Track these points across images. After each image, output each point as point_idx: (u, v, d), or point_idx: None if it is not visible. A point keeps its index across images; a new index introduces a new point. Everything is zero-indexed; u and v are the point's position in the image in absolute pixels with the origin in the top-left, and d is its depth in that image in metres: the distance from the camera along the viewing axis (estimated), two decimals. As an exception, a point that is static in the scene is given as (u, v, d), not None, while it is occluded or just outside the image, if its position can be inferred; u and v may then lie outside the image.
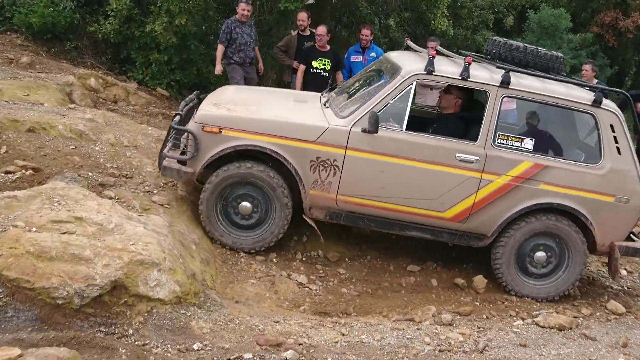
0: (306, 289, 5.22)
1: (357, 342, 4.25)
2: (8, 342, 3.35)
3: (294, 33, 8.96)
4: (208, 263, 4.91)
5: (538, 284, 5.62)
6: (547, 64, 5.71)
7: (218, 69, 8.58)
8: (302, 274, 5.39)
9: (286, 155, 5.21)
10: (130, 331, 3.77)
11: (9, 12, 10.16)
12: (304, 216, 5.48)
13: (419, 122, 5.65)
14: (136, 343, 3.68)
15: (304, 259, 5.68)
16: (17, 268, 3.58)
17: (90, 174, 5.26)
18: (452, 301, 5.34)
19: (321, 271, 5.55)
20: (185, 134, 5.28)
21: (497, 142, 5.34)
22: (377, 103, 5.25)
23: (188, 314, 4.08)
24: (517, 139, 5.40)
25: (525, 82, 5.41)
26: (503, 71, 5.33)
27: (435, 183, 5.31)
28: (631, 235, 5.88)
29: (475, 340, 4.47)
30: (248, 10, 8.41)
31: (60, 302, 3.60)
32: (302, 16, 8.73)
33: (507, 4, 15.40)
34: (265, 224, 5.42)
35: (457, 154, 5.28)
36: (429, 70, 5.25)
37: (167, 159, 5.26)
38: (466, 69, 5.29)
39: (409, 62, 5.52)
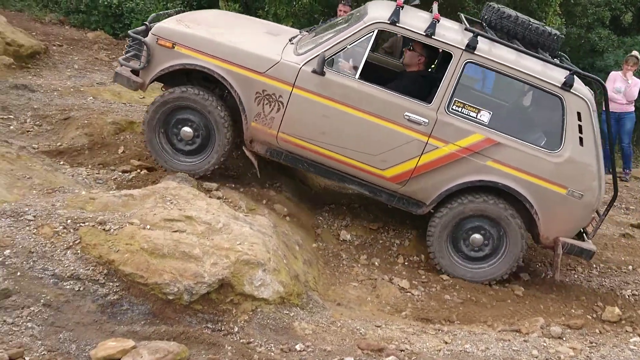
0: (408, 294, 5.15)
1: (461, 351, 4.14)
2: (123, 333, 3.51)
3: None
4: (311, 264, 4.96)
5: (470, 266, 5.37)
6: (537, 39, 5.35)
7: None
8: (404, 279, 5.32)
9: (233, 82, 5.12)
10: (236, 329, 3.86)
11: (128, 19, 10.76)
12: (243, 148, 5.37)
13: (382, 75, 5.42)
14: (241, 341, 3.77)
15: (406, 263, 5.61)
16: (132, 263, 3.75)
17: (199, 174, 5.44)
18: (562, 313, 5.10)
19: (423, 276, 5.45)
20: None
21: (452, 109, 5.07)
22: (333, 45, 5.11)
23: (291, 315, 4.13)
24: (474, 109, 5.09)
25: (495, 51, 5.07)
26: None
27: (379, 139, 5.11)
28: (584, 233, 5.46)
29: (587, 356, 4.24)
30: (345, 12, 8.43)
31: (171, 297, 3.75)
32: (408, 17, 8.63)
33: (625, 0, 14.50)
34: (206, 150, 5.31)
35: (406, 113, 5.05)
36: (393, 20, 5.03)
37: (121, 66, 5.31)
38: (432, 26, 5.04)
39: (376, 10, 5.27)
